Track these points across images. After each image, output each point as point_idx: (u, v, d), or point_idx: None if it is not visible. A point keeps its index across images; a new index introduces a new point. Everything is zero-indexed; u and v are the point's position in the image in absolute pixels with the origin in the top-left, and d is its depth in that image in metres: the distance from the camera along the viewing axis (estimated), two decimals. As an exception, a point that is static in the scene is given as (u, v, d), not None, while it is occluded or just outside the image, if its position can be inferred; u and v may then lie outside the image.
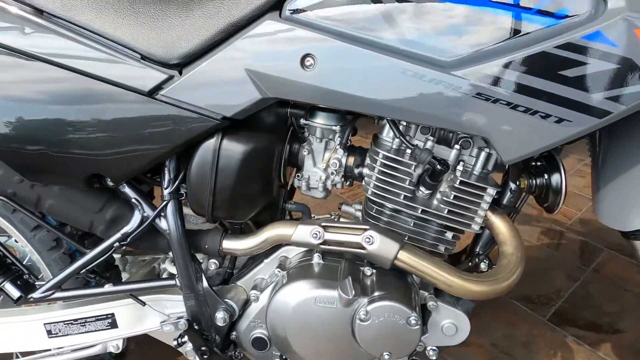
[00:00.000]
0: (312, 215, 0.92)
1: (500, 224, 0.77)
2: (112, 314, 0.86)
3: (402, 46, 0.62)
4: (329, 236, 0.75)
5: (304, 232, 0.76)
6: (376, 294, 0.74)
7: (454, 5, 0.59)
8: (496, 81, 0.59)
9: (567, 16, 0.56)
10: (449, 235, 0.78)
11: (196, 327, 0.82)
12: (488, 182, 0.73)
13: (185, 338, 0.81)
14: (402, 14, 0.61)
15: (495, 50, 0.59)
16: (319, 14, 0.65)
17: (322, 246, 0.76)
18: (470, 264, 0.85)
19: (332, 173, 0.82)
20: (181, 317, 0.81)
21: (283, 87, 0.68)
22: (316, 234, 0.75)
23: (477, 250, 0.86)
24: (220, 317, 0.80)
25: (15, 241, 0.89)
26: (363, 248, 0.73)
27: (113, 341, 0.88)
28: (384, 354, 0.74)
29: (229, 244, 0.82)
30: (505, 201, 0.80)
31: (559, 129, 0.59)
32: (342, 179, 0.83)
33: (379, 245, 0.72)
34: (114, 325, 0.86)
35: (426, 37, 0.61)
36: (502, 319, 1.54)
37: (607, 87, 0.57)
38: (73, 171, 0.72)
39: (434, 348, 0.85)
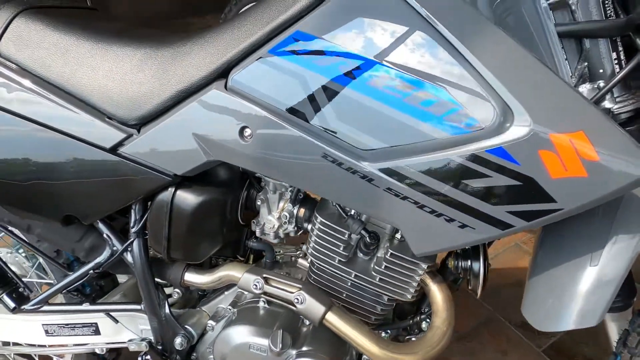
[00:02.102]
0: (277, 252, 0.98)
1: (436, 294, 0.78)
2: (96, 324, 0.99)
3: (324, 131, 0.64)
4: (267, 289, 0.80)
5: (247, 281, 0.82)
6: (304, 348, 0.79)
7: (372, 100, 0.60)
8: (404, 180, 0.60)
9: (473, 126, 0.55)
10: (385, 298, 0.80)
11: (159, 347, 0.92)
12: (426, 258, 0.73)
13: (148, 357, 0.91)
14: (325, 100, 0.63)
15: (405, 150, 0.59)
16: (255, 88, 0.68)
17: (263, 295, 0.82)
18: (411, 321, 0.86)
19: (284, 222, 0.86)
20: (145, 339, 0.92)
21: (225, 153, 0.73)
22: (256, 285, 0.81)
23: (423, 307, 0.87)
24: (179, 342, 0.90)
25: (19, 252, 1.03)
26: (294, 305, 0.77)
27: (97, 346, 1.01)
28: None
29: (189, 277, 0.90)
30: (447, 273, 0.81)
31: (463, 233, 0.59)
32: (295, 228, 0.87)
33: (307, 306, 0.76)
34: (97, 332, 0.99)
35: (346, 126, 0.63)
36: (493, 344, 1.51)
37: (509, 202, 0.55)
38: (50, 211, 0.83)
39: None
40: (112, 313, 0.95)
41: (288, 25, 0.66)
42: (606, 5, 0.63)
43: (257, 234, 0.89)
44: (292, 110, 0.66)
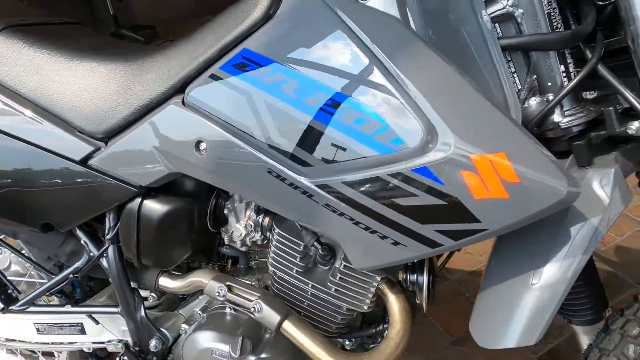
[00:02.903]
0: (253, 258, 1.00)
1: (393, 304, 0.78)
2: (81, 324, 1.04)
3: (268, 147, 0.66)
4: (229, 296, 0.83)
5: (212, 288, 0.85)
6: (263, 355, 0.81)
7: (307, 117, 0.61)
8: (339, 196, 0.60)
9: (401, 146, 0.55)
10: (344, 308, 0.81)
11: (136, 348, 0.96)
12: (378, 270, 0.74)
13: (125, 358, 0.96)
14: (269, 116, 0.64)
15: (340, 168, 0.60)
16: (209, 104, 0.70)
17: (227, 302, 0.84)
18: (374, 330, 0.87)
19: (250, 231, 0.88)
20: (122, 340, 0.96)
21: (184, 165, 0.75)
22: (219, 292, 0.83)
23: (387, 316, 0.87)
24: (153, 344, 0.94)
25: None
26: (253, 314, 0.79)
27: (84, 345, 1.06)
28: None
29: (163, 282, 0.93)
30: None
31: (397, 251, 0.59)
32: (262, 237, 0.89)
33: (264, 314, 0.78)
34: (83, 332, 1.04)
35: (286, 142, 0.64)
36: (487, 349, 1.48)
37: (437, 221, 0.55)
38: (29, 219, 0.88)
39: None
40: (93, 314, 1.00)
41: (238, 42, 0.68)
42: (552, 18, 0.62)
43: (226, 241, 0.91)
44: (240, 126, 0.67)
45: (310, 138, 0.61)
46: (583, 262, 0.59)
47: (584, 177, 0.62)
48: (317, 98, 0.60)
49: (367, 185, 0.58)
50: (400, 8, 0.57)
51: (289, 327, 0.78)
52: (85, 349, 1.08)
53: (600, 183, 0.60)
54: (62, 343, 1.08)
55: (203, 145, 0.72)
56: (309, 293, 0.82)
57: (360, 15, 0.58)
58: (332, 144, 0.59)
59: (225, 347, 0.82)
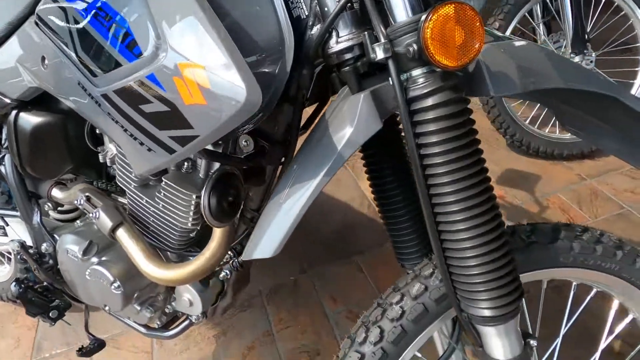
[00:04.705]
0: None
1: (217, 230, 0.83)
2: (3, 226, 1.19)
3: (78, 60, 0.72)
4: (84, 205, 0.92)
5: (76, 197, 0.94)
6: (104, 258, 0.90)
7: (94, 31, 0.66)
8: (112, 105, 0.66)
9: (140, 54, 0.59)
10: (178, 225, 0.87)
11: (31, 251, 1.09)
12: (193, 188, 0.79)
13: (25, 257, 1.09)
14: (75, 32, 0.71)
15: (110, 77, 0.65)
16: (48, 22, 0.77)
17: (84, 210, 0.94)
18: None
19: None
20: (20, 240, 1.09)
21: (37, 79, 0.84)
22: (78, 201, 0.93)
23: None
24: (44, 247, 1.06)
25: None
26: (93, 220, 0.88)
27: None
28: (104, 305, 0.92)
29: (55, 192, 1.05)
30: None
31: (151, 157, 0.64)
32: None
33: (100, 221, 0.87)
34: (5, 235, 1.20)
35: (85, 55, 0.70)
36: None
37: (167, 126, 0.59)
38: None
39: (198, 315, 0.99)
40: (5, 217, 1.14)
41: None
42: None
43: (100, 159, 1.00)
44: (63, 41, 0.74)
45: (94, 49, 0.67)
46: (322, 183, 0.61)
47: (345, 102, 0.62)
48: (98, 14, 0.65)
49: (124, 94, 0.63)
50: None
51: (121, 234, 0.86)
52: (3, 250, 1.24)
53: (350, 108, 0.60)
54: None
55: (46, 61, 0.80)
56: (150, 210, 0.89)
57: None
58: (105, 54, 0.65)
59: (75, 248, 0.92)
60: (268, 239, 0.63)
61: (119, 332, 1.56)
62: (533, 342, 0.68)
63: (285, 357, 1.44)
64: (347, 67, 0.63)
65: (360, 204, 2.01)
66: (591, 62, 1.97)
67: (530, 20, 2.13)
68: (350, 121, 0.60)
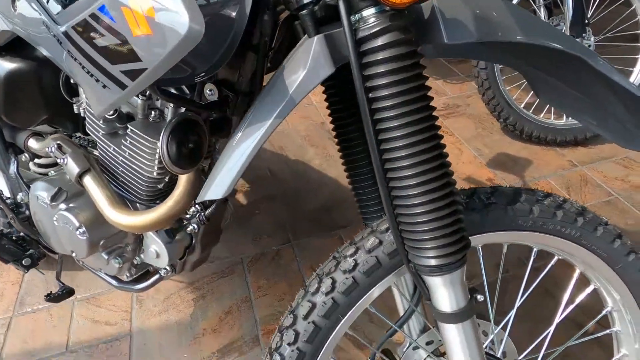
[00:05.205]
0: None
1: (182, 178, 0.84)
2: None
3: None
4: (55, 152, 0.93)
5: (47, 145, 0.95)
6: (72, 204, 0.91)
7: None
8: (71, 41, 0.66)
9: (95, -14, 0.59)
10: (145, 174, 0.88)
11: (8, 201, 1.11)
12: (157, 136, 0.79)
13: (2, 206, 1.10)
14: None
15: (70, 12, 0.65)
16: None
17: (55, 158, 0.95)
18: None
19: (91, 101, 0.96)
20: (-2, 188, 1.11)
21: (10, 22, 0.84)
22: (49, 149, 0.93)
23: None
24: (19, 198, 1.07)
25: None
26: (62, 166, 0.89)
27: None
28: (71, 251, 0.93)
29: (31, 142, 1.06)
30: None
31: (108, 94, 0.64)
32: None
33: (68, 167, 0.88)
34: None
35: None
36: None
37: (118, 60, 0.59)
38: None
39: (166, 269, 1.00)
40: (-15, 166, 1.15)
41: None
42: None
43: (75, 110, 1.01)
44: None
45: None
46: (273, 126, 0.61)
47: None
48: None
49: (81, 29, 0.63)
50: None
51: (87, 181, 0.87)
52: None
53: (304, 52, 0.60)
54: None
55: (16, 2, 0.80)
56: (114, 157, 0.89)
57: None
58: (63, -11, 0.65)
59: (45, 195, 0.93)
60: (219, 181, 0.63)
61: (100, 292, 1.59)
62: (480, 297, 0.69)
63: (260, 322, 1.46)
64: (305, 11, 0.62)
65: (349, 180, 2.01)
66: (589, 46, 1.94)
67: (532, 2, 2.10)
68: (303, 64, 0.60)
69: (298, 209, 1.92)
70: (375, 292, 0.75)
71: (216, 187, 0.64)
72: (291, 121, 2.46)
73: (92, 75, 0.66)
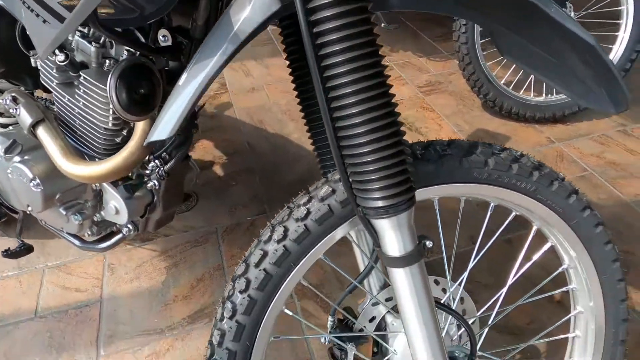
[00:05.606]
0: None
1: (139, 125, 0.82)
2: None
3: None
4: (9, 104, 0.91)
5: (4, 98, 0.93)
6: (26, 157, 0.89)
7: None
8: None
9: None
10: (101, 126, 0.86)
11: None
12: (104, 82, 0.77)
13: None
14: None
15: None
16: None
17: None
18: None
19: (49, 54, 0.94)
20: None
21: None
22: (3, 101, 0.91)
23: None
24: None
25: None
26: (14, 116, 0.87)
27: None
28: (27, 205, 0.92)
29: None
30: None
31: (49, 29, 0.63)
32: None
33: (20, 117, 0.86)
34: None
35: None
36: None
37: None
38: None
39: (128, 226, 0.99)
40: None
41: None
42: None
43: (32, 64, 0.98)
44: None
45: None
46: (218, 64, 0.60)
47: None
48: None
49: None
50: None
51: (41, 132, 0.85)
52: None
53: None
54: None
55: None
56: (69, 108, 0.87)
57: None
58: None
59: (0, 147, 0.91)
60: (166, 122, 0.62)
61: (71, 259, 1.57)
62: (429, 243, 0.68)
63: (231, 289, 1.45)
64: None
65: (327, 154, 2.00)
66: (569, 22, 1.94)
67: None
68: (248, 1, 0.59)
69: (275, 181, 1.91)
70: (328, 241, 0.74)
71: (163, 128, 0.63)
72: (272, 96, 2.44)
73: (32, 10, 0.64)
